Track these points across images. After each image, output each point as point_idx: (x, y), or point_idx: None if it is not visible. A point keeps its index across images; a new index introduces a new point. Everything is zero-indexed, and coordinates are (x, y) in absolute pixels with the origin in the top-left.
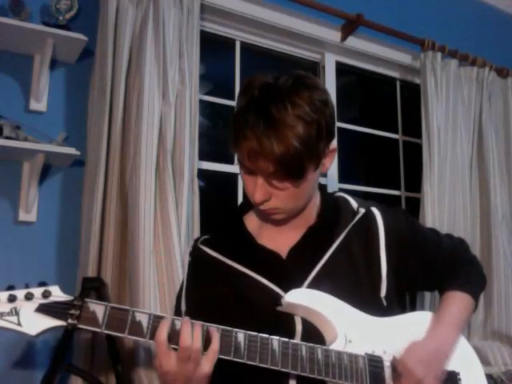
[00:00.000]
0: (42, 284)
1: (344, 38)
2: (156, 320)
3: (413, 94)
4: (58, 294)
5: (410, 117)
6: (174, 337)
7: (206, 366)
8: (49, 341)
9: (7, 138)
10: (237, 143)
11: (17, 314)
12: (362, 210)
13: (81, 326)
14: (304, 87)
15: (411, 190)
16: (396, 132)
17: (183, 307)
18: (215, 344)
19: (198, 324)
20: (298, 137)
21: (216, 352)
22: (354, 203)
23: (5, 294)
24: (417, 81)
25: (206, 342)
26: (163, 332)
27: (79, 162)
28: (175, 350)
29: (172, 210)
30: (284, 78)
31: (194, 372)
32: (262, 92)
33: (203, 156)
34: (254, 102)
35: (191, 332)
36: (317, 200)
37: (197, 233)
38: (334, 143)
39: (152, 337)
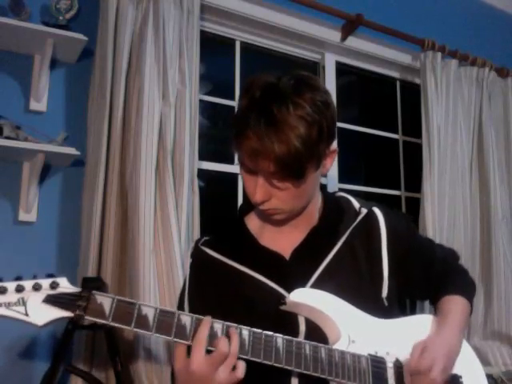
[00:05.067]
0: (49, 275)
1: (344, 38)
2: (162, 314)
3: (413, 94)
4: (65, 286)
5: (410, 117)
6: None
7: (225, 371)
8: (49, 341)
9: (7, 137)
10: (238, 143)
11: (24, 304)
12: (364, 211)
13: (88, 318)
14: (306, 88)
15: (411, 190)
16: (396, 132)
17: (186, 309)
18: (233, 349)
19: (233, 328)
20: (299, 137)
21: (234, 356)
22: (355, 203)
23: (13, 284)
24: (417, 81)
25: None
26: (205, 331)
27: (79, 162)
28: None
29: (172, 209)
30: (286, 79)
31: (213, 376)
32: (264, 92)
33: (203, 156)
34: (255, 102)
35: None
36: (318, 200)
37: (197, 233)
38: (335, 144)
39: (158, 330)
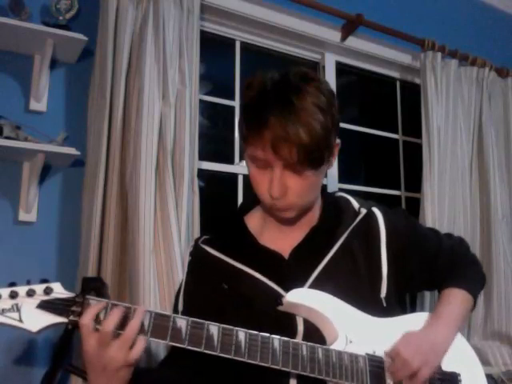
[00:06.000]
0: (43, 281)
1: (344, 38)
2: (157, 317)
3: (413, 94)
4: (59, 291)
5: (409, 117)
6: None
7: (116, 350)
8: (49, 340)
9: (7, 137)
10: (257, 134)
11: (18, 310)
12: (364, 211)
13: None
14: (312, 80)
15: (411, 190)
16: (396, 132)
17: (180, 307)
18: (129, 329)
19: (120, 307)
20: (320, 123)
21: (129, 338)
22: (355, 203)
23: (6, 291)
24: (417, 81)
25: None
26: (89, 315)
27: (79, 162)
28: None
29: (172, 209)
30: (292, 73)
31: (103, 356)
32: (276, 84)
33: (203, 156)
34: (268, 93)
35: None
36: (318, 200)
37: (197, 233)
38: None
39: (153, 334)
